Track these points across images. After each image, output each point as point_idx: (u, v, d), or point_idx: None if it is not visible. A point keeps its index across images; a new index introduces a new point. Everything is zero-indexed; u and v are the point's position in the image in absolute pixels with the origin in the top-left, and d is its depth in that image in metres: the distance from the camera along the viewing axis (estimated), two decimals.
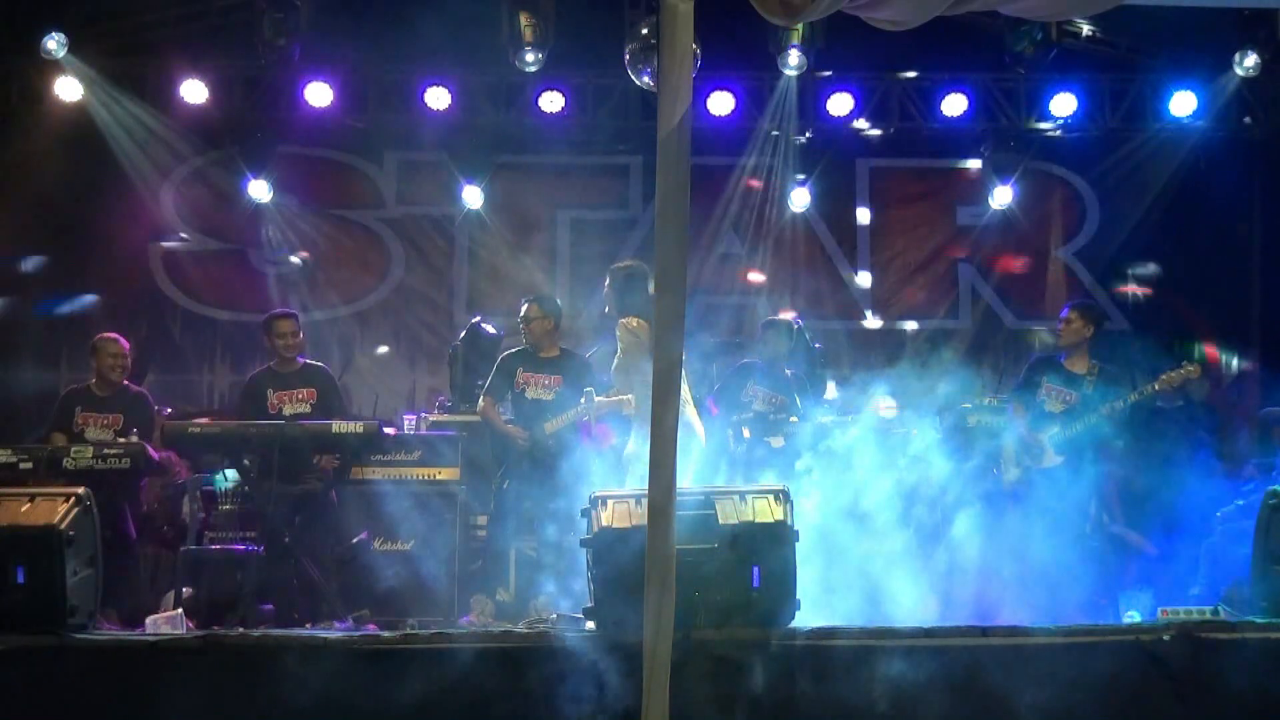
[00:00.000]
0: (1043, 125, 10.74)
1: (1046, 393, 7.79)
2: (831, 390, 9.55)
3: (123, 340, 8.12)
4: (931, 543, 7.71)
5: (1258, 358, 10.58)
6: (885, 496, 7.76)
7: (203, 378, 10.80)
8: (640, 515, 4.89)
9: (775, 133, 10.62)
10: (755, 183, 10.92)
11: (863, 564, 7.01)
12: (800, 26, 9.35)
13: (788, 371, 8.51)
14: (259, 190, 10.58)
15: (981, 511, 7.74)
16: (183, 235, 10.91)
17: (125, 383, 8.08)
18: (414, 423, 8.62)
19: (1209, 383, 9.34)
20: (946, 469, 7.84)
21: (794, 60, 9.94)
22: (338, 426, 7.64)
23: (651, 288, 5.89)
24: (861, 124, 10.73)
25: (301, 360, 8.07)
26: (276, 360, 8.04)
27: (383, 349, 7.88)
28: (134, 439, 7.59)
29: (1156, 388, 7.72)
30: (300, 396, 7.92)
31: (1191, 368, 7.65)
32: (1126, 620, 6.77)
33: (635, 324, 6.67)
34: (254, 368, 8.56)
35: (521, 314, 8.08)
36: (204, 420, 8.06)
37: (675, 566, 4.29)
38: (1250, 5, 9.11)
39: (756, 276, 11.00)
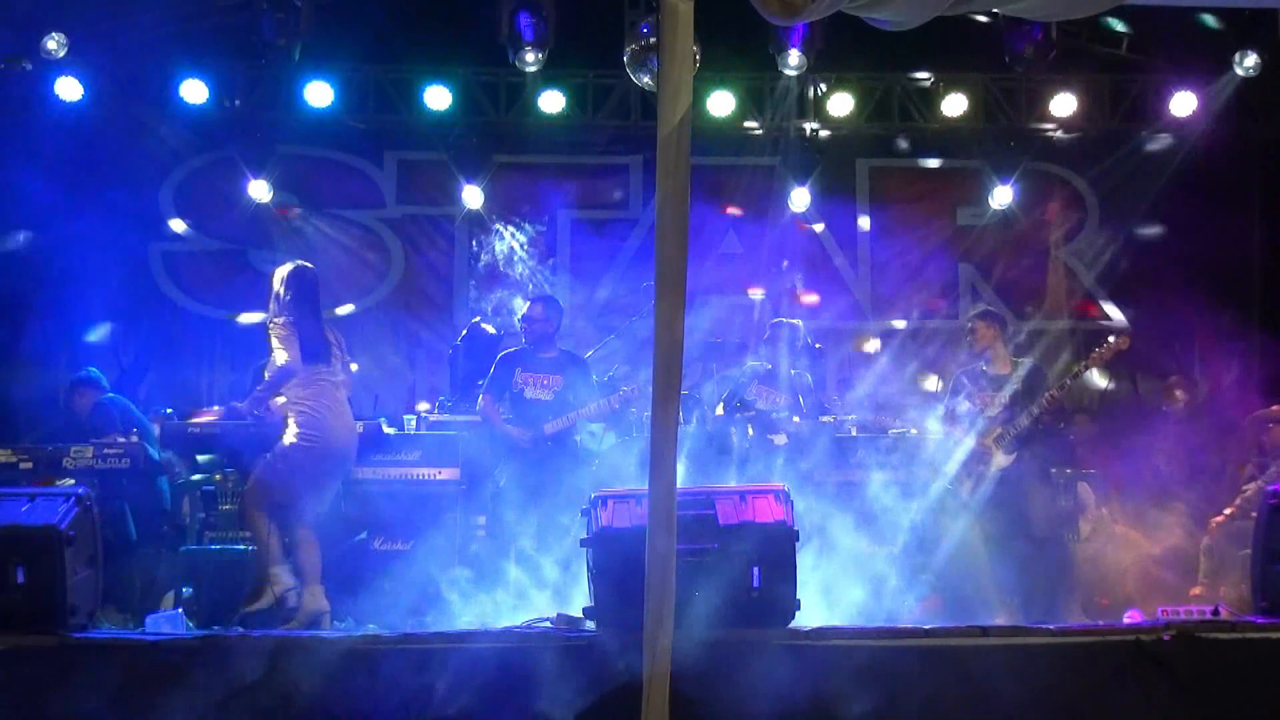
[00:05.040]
0: (1043, 125, 10.75)
1: (979, 400, 7.76)
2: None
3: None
4: (917, 550, 7.72)
5: (1259, 358, 10.56)
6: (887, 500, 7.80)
7: (202, 378, 10.79)
8: (640, 515, 4.89)
9: (775, 133, 10.62)
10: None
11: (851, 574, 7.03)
12: (800, 27, 9.36)
13: (791, 371, 8.52)
14: (259, 190, 10.58)
15: (954, 521, 7.71)
16: (183, 235, 10.91)
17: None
18: (414, 422, 8.62)
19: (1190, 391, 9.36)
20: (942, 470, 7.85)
21: (794, 60, 9.95)
22: None
23: None
24: (861, 124, 10.75)
25: None
26: None
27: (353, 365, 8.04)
28: (134, 438, 7.60)
29: (1087, 365, 7.73)
30: None
31: (1119, 339, 7.62)
32: (1126, 620, 6.77)
33: None
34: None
35: (524, 313, 8.07)
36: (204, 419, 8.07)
37: (675, 566, 4.29)
38: (1250, 5, 9.10)
39: (757, 278, 11.00)
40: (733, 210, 10.91)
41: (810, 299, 10.83)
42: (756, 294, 10.81)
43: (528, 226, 11.00)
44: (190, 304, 10.90)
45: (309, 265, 7.08)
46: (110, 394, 8.46)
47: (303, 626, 6.38)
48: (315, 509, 6.82)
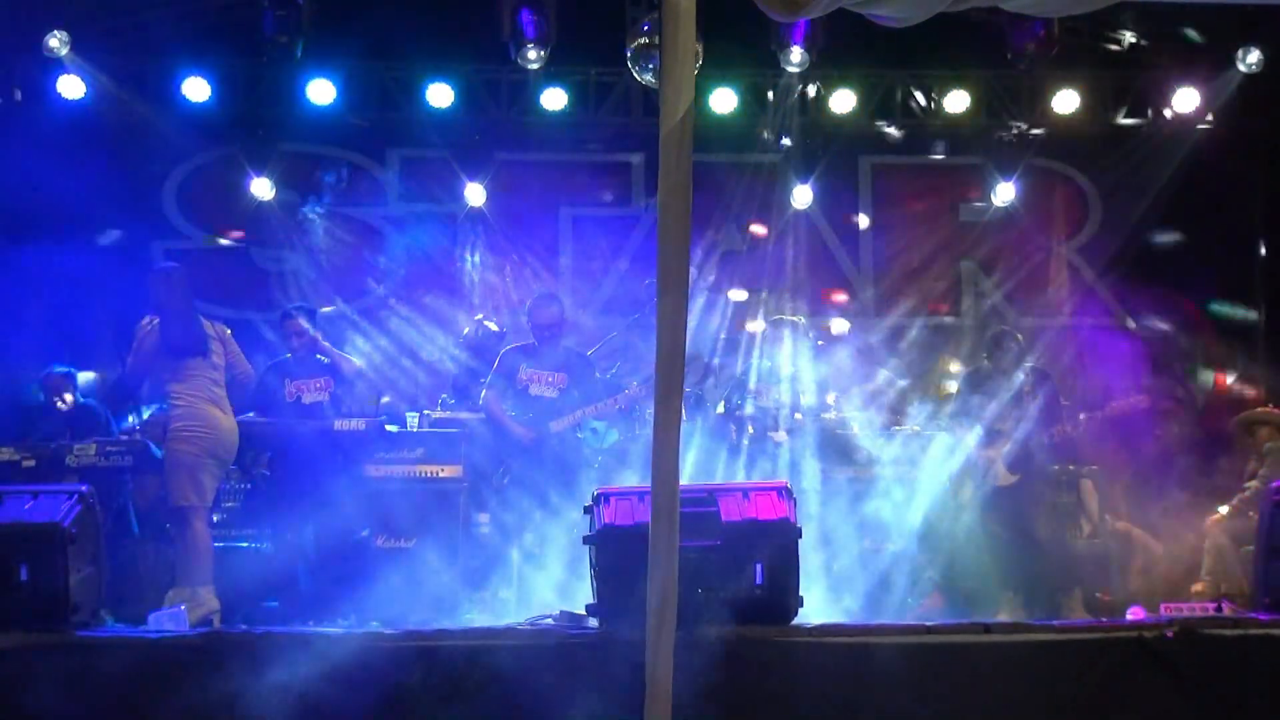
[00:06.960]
0: (1045, 122, 10.73)
1: (987, 409, 7.75)
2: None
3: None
4: (920, 547, 7.72)
5: (1262, 356, 10.56)
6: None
7: None
8: (643, 512, 4.89)
9: (777, 130, 10.61)
10: (760, 230, 10.93)
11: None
12: (802, 23, 9.35)
13: (791, 369, 8.52)
14: (262, 188, 10.58)
15: (956, 518, 7.72)
16: (185, 233, 10.92)
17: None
18: (417, 420, 8.62)
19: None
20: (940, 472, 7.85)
21: (796, 57, 9.94)
22: (339, 424, 7.66)
23: None
24: (863, 121, 10.74)
25: (318, 351, 8.12)
26: (291, 352, 8.07)
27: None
28: (135, 436, 7.61)
29: (1107, 414, 7.79)
30: (318, 385, 7.97)
31: (1138, 398, 7.70)
32: (1129, 617, 6.77)
33: None
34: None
35: (528, 310, 8.08)
36: None
37: (678, 563, 4.29)
38: (1251, 4, 9.09)
39: (757, 275, 11.00)
40: (733, 207, 10.91)
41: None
42: (758, 287, 10.76)
43: (530, 224, 11.01)
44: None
45: (175, 265, 7.63)
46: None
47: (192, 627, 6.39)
48: (206, 502, 6.97)
